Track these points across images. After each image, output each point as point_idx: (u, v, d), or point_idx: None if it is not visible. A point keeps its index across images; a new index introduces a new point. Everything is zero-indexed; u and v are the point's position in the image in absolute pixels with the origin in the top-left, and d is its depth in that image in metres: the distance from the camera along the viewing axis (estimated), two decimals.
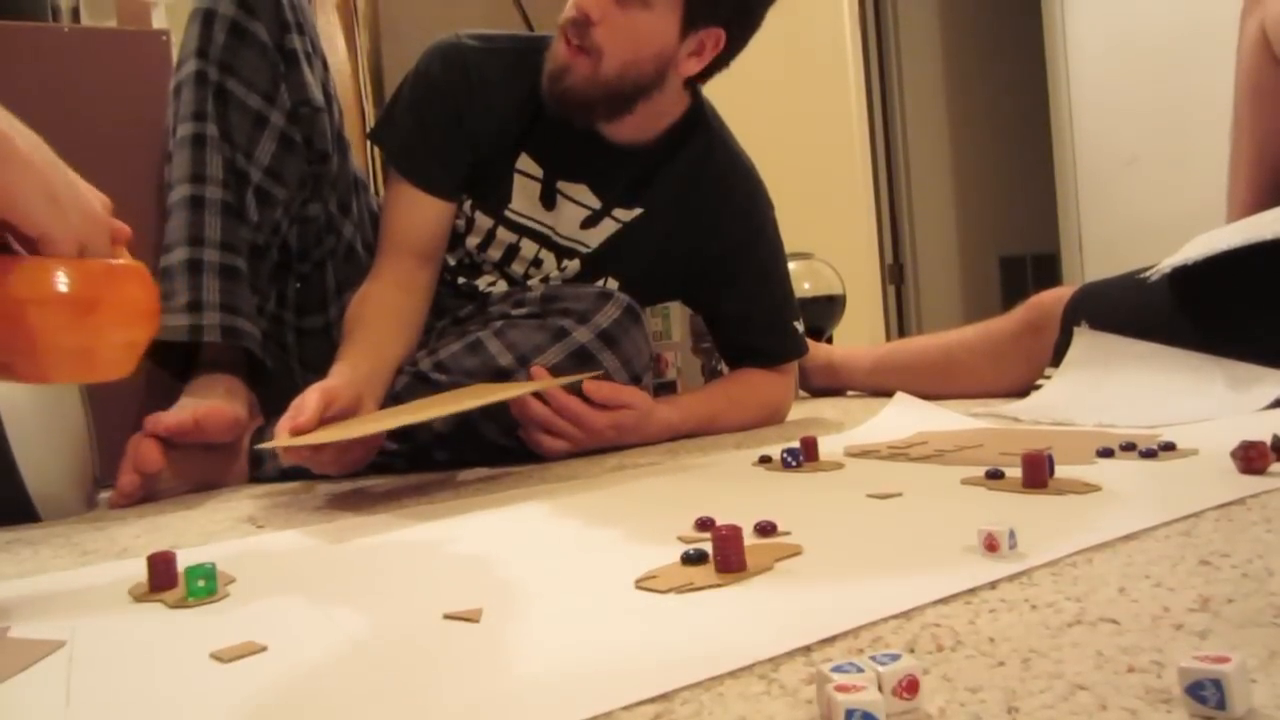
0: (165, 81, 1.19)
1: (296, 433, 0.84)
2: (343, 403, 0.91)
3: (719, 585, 0.49)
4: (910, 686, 0.33)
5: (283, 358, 1.21)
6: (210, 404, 1.02)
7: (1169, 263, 1.18)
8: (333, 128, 1.19)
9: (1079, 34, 2.57)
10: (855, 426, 1.17)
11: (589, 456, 1.08)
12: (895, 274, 3.18)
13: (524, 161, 1.20)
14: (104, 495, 1.03)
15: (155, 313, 0.60)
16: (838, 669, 0.33)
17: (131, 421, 1.01)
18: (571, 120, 1.14)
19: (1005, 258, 3.45)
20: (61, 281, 0.53)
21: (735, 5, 1.10)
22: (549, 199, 1.20)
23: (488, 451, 1.07)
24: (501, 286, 1.23)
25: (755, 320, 1.31)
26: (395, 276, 1.15)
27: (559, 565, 0.58)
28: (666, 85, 1.13)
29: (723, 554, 0.51)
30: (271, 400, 1.12)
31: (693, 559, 0.53)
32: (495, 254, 1.22)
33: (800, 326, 1.34)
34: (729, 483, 0.84)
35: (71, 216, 0.54)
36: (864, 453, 0.93)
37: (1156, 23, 2.40)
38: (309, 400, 0.87)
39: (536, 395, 1.03)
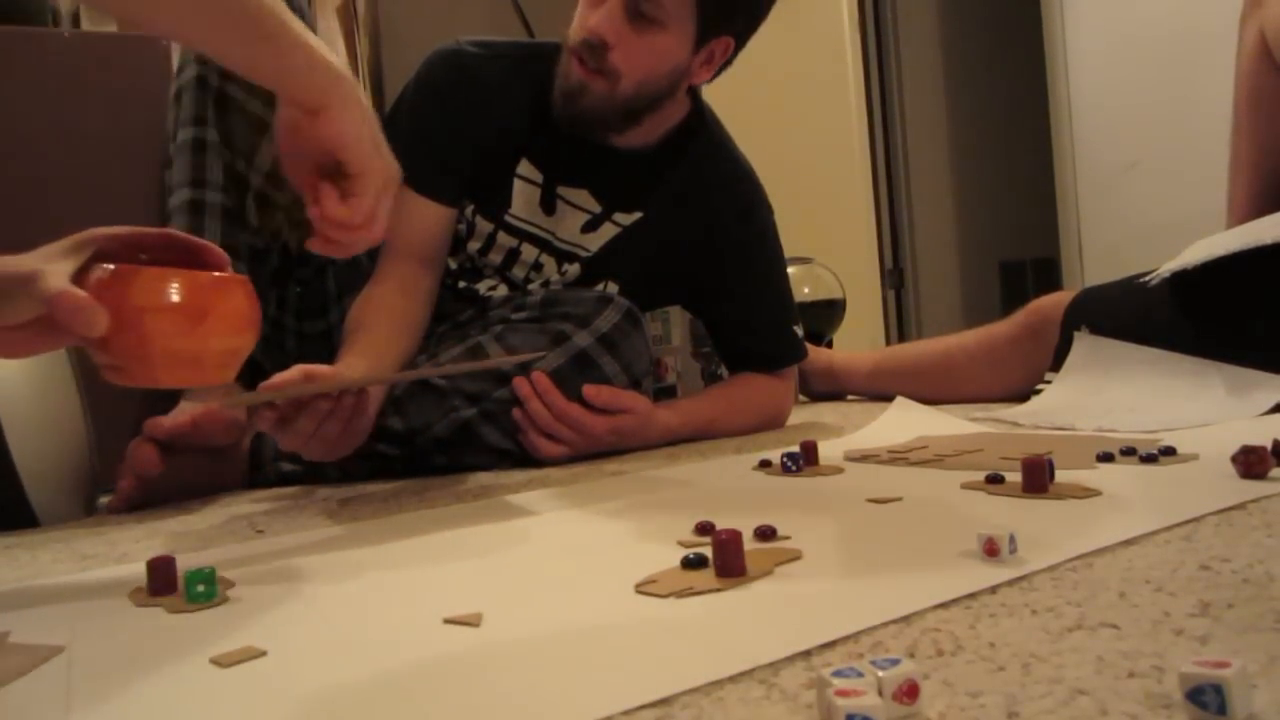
0: (165, 86, 1.19)
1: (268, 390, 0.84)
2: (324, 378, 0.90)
3: (719, 590, 0.49)
4: (910, 691, 0.33)
5: (283, 362, 1.21)
6: (209, 408, 1.02)
7: (1169, 267, 1.18)
8: None
9: (1079, 38, 2.57)
10: (855, 431, 1.17)
11: (588, 461, 1.08)
12: (895, 278, 3.17)
13: (524, 166, 1.20)
14: (103, 500, 1.03)
15: (257, 322, 0.63)
16: (838, 673, 0.33)
17: (130, 426, 1.01)
18: (585, 136, 1.15)
19: (1005, 262, 3.45)
20: (175, 291, 0.57)
21: (747, 15, 1.11)
22: (549, 204, 1.21)
23: (487, 456, 1.07)
24: (502, 290, 1.23)
25: (755, 324, 1.31)
26: (397, 280, 1.15)
27: (559, 569, 0.58)
28: (676, 94, 1.14)
29: (722, 558, 0.51)
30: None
31: (692, 563, 0.53)
32: (496, 258, 1.23)
33: (800, 331, 1.34)
34: (729, 487, 0.84)
35: (383, 161, 0.68)
36: (864, 457, 0.93)
37: (1157, 27, 2.40)
38: (290, 371, 0.86)
39: (525, 374, 1.03)
